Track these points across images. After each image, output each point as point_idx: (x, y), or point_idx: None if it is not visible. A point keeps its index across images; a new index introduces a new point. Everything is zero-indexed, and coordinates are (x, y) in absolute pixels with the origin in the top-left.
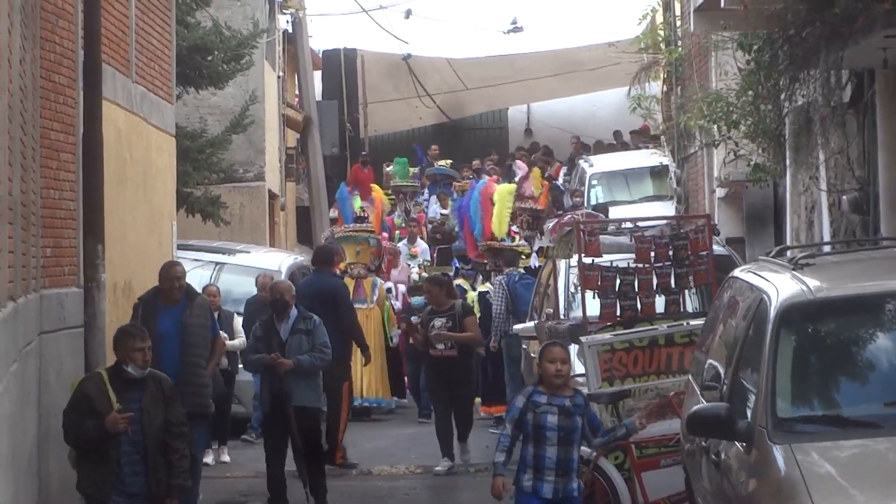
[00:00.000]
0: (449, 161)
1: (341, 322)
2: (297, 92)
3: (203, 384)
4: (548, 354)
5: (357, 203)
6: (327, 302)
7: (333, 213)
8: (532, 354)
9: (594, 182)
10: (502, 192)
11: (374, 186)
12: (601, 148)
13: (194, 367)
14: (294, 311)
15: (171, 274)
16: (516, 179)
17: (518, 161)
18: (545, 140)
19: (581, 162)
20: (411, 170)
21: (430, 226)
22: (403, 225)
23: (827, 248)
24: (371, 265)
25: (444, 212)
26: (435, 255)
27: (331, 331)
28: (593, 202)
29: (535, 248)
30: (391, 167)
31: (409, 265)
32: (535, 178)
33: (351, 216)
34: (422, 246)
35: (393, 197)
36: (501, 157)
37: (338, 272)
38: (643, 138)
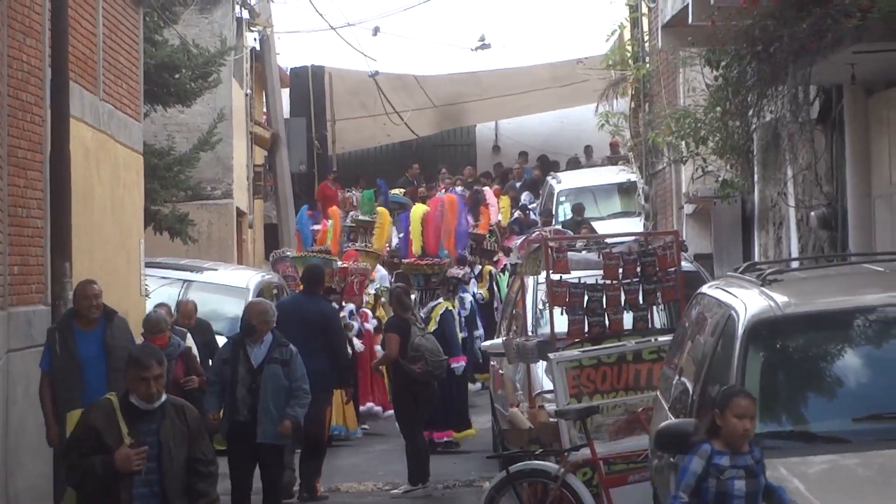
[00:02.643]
0: (402, 189)
1: (332, 350)
2: (264, 109)
3: None
4: (735, 408)
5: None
6: (317, 327)
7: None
8: (500, 371)
9: (562, 199)
10: (414, 212)
11: (334, 210)
12: (575, 165)
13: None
14: (269, 336)
15: (87, 292)
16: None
17: (486, 189)
18: (513, 156)
19: (549, 179)
20: (375, 205)
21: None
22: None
23: (795, 264)
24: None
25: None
26: (392, 279)
27: (318, 357)
28: (561, 219)
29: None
30: (353, 194)
31: (368, 291)
32: (504, 206)
33: (310, 239)
34: (381, 272)
35: (353, 226)
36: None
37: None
38: (617, 157)
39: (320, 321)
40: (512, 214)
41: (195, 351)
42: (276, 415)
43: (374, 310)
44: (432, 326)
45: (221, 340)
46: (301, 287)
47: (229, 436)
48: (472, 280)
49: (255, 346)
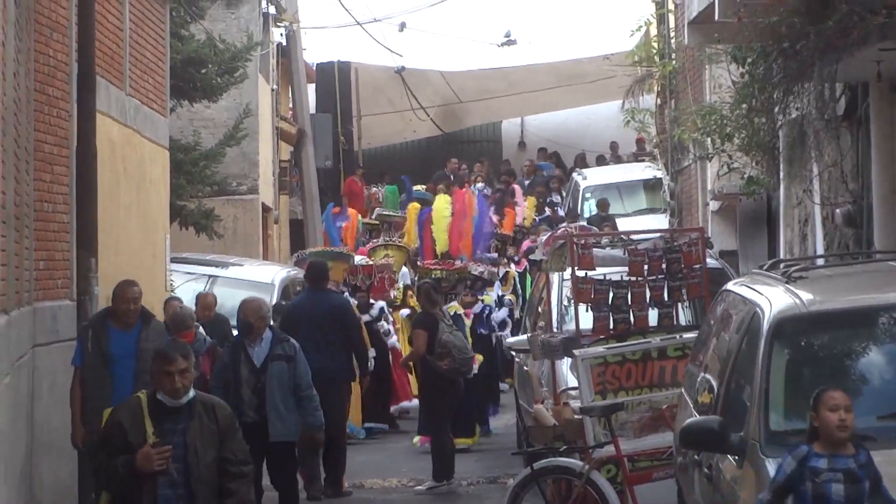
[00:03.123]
0: (423, 186)
1: (350, 340)
2: (290, 105)
3: None
4: (828, 401)
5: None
6: (333, 320)
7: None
8: (525, 368)
9: (588, 195)
10: (438, 207)
11: (352, 211)
12: (603, 162)
13: None
14: (268, 333)
15: (126, 295)
16: (514, 201)
17: (516, 187)
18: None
19: (575, 175)
20: (399, 200)
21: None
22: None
23: (820, 262)
24: (348, 283)
25: None
26: (416, 278)
27: (337, 350)
28: (586, 215)
29: (502, 273)
30: (379, 190)
31: (398, 286)
32: (530, 206)
33: (338, 238)
34: (403, 270)
35: (377, 223)
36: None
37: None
38: (643, 153)
39: (335, 314)
40: (542, 212)
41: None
42: (285, 412)
43: (401, 304)
44: None
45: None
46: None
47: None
48: (497, 283)
49: (254, 345)
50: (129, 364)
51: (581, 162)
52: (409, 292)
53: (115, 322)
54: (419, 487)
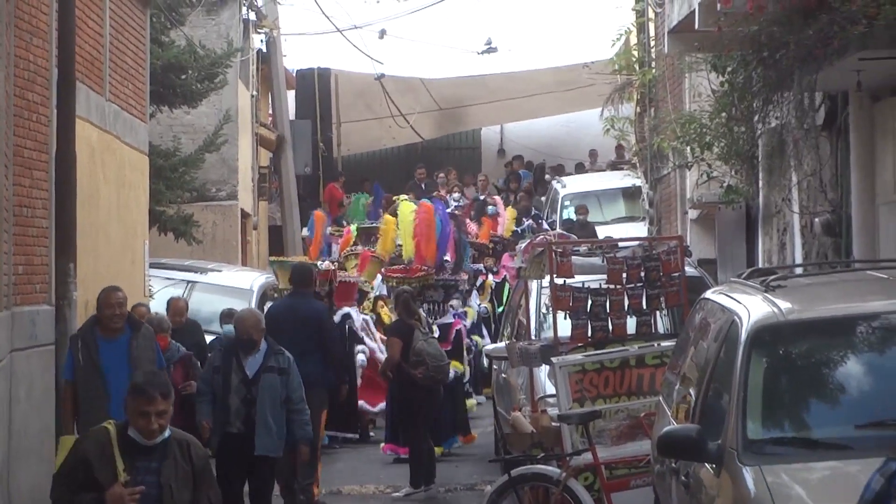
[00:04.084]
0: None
1: (327, 349)
2: (270, 111)
3: None
4: None
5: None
6: (311, 327)
7: (305, 232)
8: (503, 376)
9: (566, 203)
10: (402, 212)
11: (318, 214)
12: (582, 170)
13: None
14: (263, 344)
15: (111, 300)
16: (490, 213)
17: (497, 198)
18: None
19: (554, 183)
20: (369, 199)
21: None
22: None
23: (799, 271)
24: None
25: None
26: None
27: (311, 356)
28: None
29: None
30: (347, 201)
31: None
32: (510, 218)
33: (327, 249)
34: (377, 280)
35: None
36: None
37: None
38: (622, 161)
39: (314, 321)
40: (521, 223)
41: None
42: (274, 426)
43: (375, 313)
44: None
45: (209, 339)
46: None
47: (220, 448)
48: (475, 292)
49: (250, 355)
50: (122, 375)
51: (554, 171)
52: (381, 302)
53: (103, 331)
54: (396, 494)
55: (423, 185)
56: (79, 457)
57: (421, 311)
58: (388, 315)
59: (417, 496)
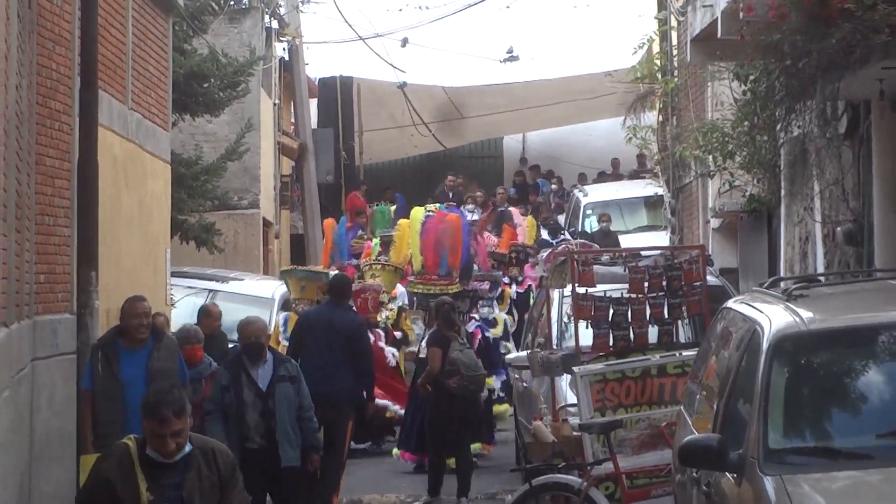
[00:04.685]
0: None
1: (360, 363)
2: (292, 119)
3: None
4: None
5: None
6: (346, 338)
7: None
8: (524, 385)
9: (588, 211)
10: (413, 220)
11: (328, 222)
12: (605, 178)
13: None
14: (269, 354)
15: (136, 310)
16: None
17: (513, 209)
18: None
19: (576, 191)
20: (391, 209)
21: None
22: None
23: (821, 280)
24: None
25: None
26: (415, 297)
27: (343, 370)
28: (588, 230)
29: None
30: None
31: (391, 307)
32: (530, 226)
33: (347, 252)
34: (400, 289)
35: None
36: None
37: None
38: (644, 170)
39: (350, 332)
40: (539, 235)
41: None
42: (294, 436)
43: (394, 326)
44: None
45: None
46: (327, 297)
47: (242, 465)
48: (494, 302)
49: (257, 367)
50: (140, 389)
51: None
52: (404, 314)
53: (125, 341)
54: (416, 503)
55: (450, 194)
56: (101, 477)
57: (460, 321)
58: (409, 328)
59: None
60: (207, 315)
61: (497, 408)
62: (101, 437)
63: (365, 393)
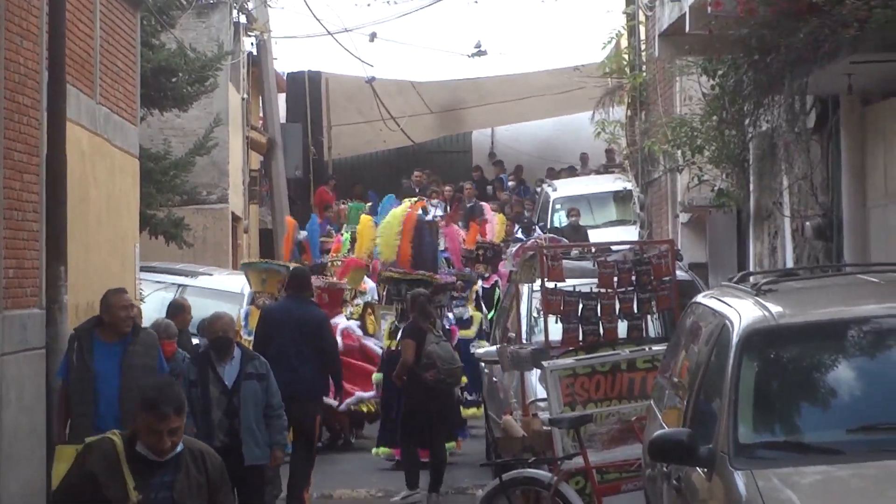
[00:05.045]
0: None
1: (324, 355)
2: (261, 114)
3: None
4: None
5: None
6: (309, 332)
7: (300, 234)
8: (494, 379)
9: (557, 206)
10: (392, 221)
11: (289, 219)
12: (573, 173)
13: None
14: (237, 350)
15: (121, 301)
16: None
17: (485, 204)
18: (510, 164)
19: (545, 186)
20: (366, 206)
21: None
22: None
23: (790, 275)
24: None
25: None
26: (384, 292)
27: (308, 363)
28: (556, 226)
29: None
30: (345, 207)
31: (356, 303)
32: (500, 223)
33: (318, 249)
34: (369, 284)
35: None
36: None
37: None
38: (613, 165)
39: (313, 325)
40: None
41: None
42: (259, 434)
43: (362, 320)
44: None
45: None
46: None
47: None
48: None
49: (224, 363)
50: (113, 381)
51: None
52: (369, 309)
53: (102, 334)
54: (395, 499)
55: (416, 189)
56: (84, 471)
57: (437, 314)
58: (373, 323)
59: (414, 498)
60: (181, 310)
61: (466, 411)
62: (72, 429)
63: (333, 385)
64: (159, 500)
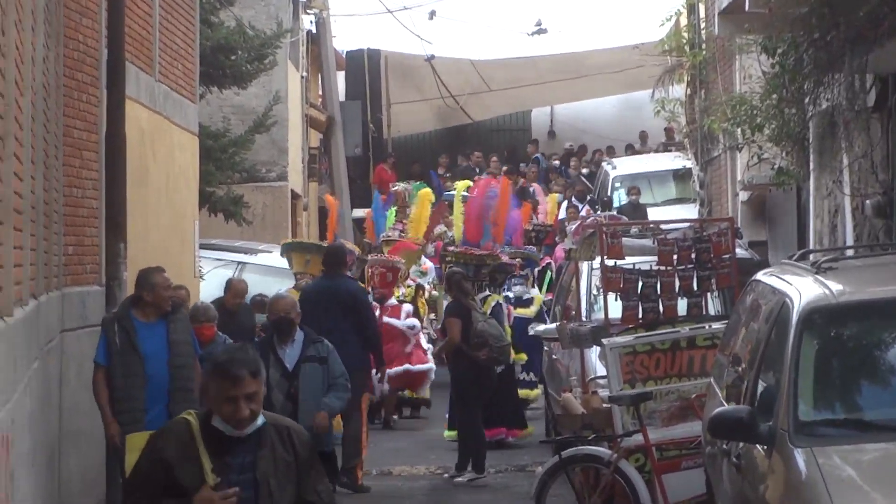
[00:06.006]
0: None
1: (363, 329)
2: (320, 92)
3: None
4: None
5: (391, 219)
6: (346, 307)
7: (360, 213)
8: (553, 356)
9: (617, 184)
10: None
11: (329, 198)
12: (633, 151)
13: (187, 393)
14: (300, 333)
15: (165, 281)
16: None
17: (536, 185)
18: (569, 142)
19: (605, 164)
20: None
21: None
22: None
23: (850, 252)
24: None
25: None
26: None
27: (350, 338)
28: (616, 204)
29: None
30: (407, 188)
31: (419, 282)
32: (552, 203)
33: (383, 229)
34: (429, 264)
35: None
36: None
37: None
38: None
39: (349, 301)
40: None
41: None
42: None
43: (413, 303)
44: None
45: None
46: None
47: None
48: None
49: (285, 346)
50: (162, 359)
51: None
52: (420, 291)
53: (141, 314)
54: (458, 479)
55: (476, 169)
56: (155, 457)
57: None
58: (423, 306)
59: (480, 482)
60: (230, 289)
61: (527, 393)
62: (120, 414)
63: (374, 358)
64: (241, 482)
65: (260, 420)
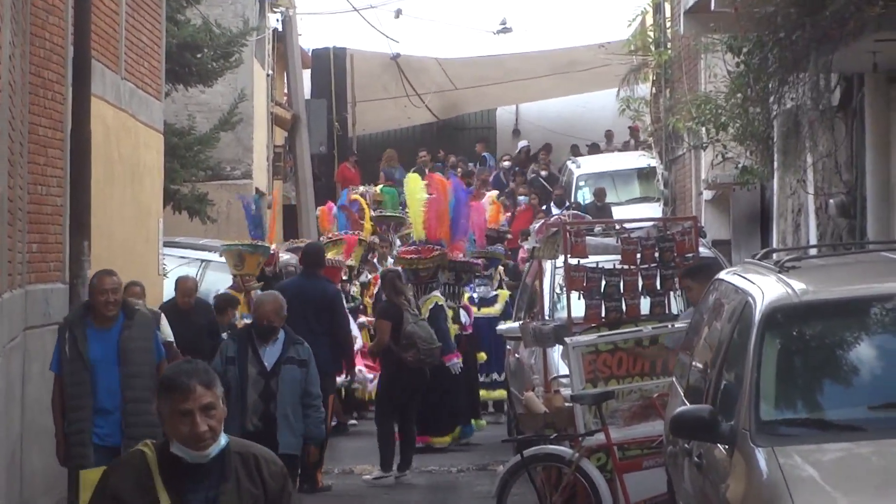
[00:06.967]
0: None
1: (336, 332)
2: (285, 90)
3: (152, 423)
4: None
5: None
6: (321, 308)
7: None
8: (517, 356)
9: (581, 183)
10: (410, 189)
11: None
12: (597, 150)
13: (138, 404)
14: (281, 333)
15: (103, 285)
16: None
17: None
18: (534, 141)
19: (569, 163)
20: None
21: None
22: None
23: (813, 252)
24: (266, 274)
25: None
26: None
27: (321, 339)
28: (581, 202)
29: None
30: (373, 190)
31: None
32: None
33: (344, 225)
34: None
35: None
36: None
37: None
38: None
39: (324, 302)
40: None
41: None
42: (295, 422)
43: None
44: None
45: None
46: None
47: None
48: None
49: (267, 344)
50: (112, 370)
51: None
52: (366, 290)
53: (95, 320)
54: (366, 477)
55: (426, 170)
56: (108, 494)
57: (410, 291)
58: (368, 303)
59: (385, 482)
60: (179, 289)
61: (489, 394)
62: (71, 426)
63: (344, 362)
64: None
65: (223, 440)
